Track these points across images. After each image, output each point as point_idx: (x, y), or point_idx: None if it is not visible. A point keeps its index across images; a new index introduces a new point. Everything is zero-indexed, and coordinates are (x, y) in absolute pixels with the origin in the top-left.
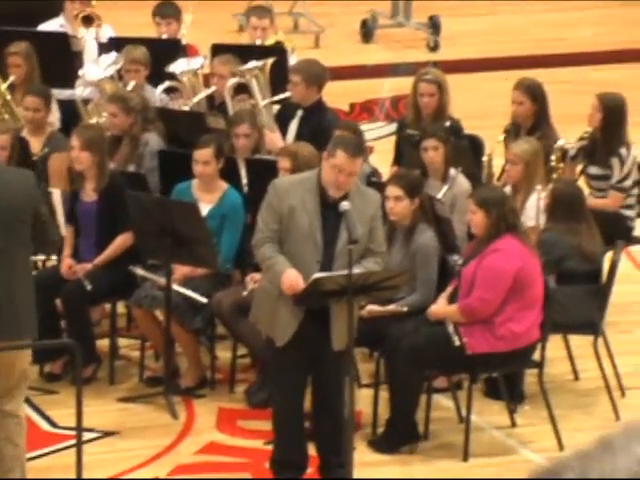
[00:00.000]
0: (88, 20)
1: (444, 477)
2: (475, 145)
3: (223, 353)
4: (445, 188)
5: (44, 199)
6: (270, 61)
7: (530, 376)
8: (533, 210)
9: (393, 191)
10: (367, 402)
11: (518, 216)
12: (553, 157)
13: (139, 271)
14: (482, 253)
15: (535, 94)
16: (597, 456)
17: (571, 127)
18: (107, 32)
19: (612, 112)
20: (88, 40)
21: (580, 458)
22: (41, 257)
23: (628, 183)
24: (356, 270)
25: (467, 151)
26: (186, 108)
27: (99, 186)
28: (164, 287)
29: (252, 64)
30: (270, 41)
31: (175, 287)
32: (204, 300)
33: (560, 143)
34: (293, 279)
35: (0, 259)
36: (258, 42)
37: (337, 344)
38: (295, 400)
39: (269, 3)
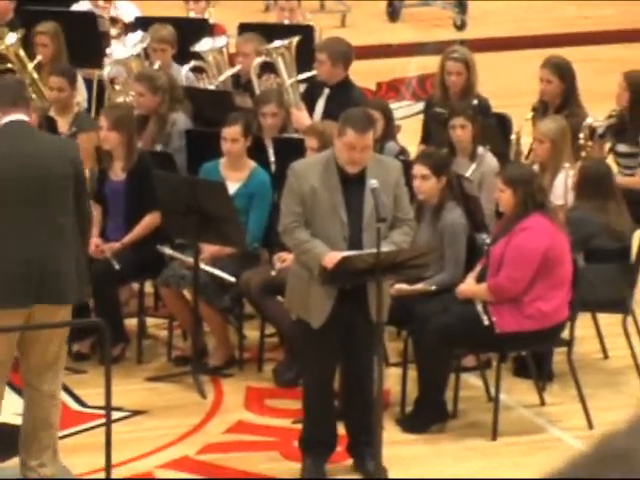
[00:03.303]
0: None
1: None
2: (503, 123)
3: (251, 332)
4: (473, 166)
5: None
6: (296, 39)
7: (559, 355)
8: (561, 188)
9: (420, 170)
10: (395, 381)
11: (546, 194)
12: (581, 135)
13: (167, 250)
14: (511, 232)
15: (563, 72)
16: None
17: (599, 105)
18: (134, 11)
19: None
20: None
21: None
22: None
23: None
24: (384, 248)
25: (495, 129)
26: (212, 87)
27: (127, 165)
28: (192, 266)
29: (278, 43)
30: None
31: (203, 266)
32: (232, 279)
33: (588, 121)
34: (337, 258)
35: (43, 225)
36: (286, 23)
37: (376, 316)
38: (327, 380)
39: None
